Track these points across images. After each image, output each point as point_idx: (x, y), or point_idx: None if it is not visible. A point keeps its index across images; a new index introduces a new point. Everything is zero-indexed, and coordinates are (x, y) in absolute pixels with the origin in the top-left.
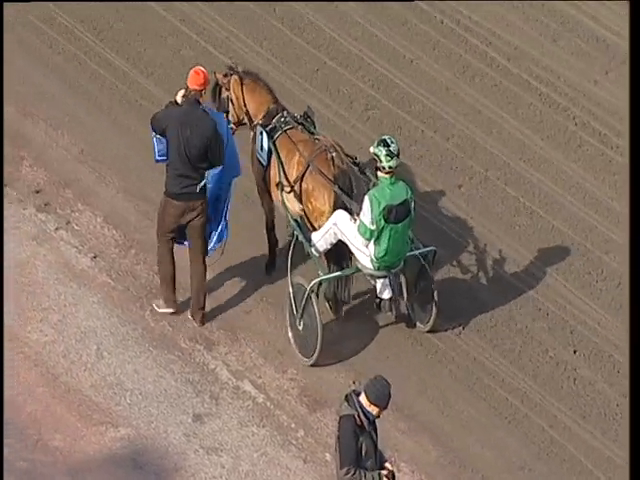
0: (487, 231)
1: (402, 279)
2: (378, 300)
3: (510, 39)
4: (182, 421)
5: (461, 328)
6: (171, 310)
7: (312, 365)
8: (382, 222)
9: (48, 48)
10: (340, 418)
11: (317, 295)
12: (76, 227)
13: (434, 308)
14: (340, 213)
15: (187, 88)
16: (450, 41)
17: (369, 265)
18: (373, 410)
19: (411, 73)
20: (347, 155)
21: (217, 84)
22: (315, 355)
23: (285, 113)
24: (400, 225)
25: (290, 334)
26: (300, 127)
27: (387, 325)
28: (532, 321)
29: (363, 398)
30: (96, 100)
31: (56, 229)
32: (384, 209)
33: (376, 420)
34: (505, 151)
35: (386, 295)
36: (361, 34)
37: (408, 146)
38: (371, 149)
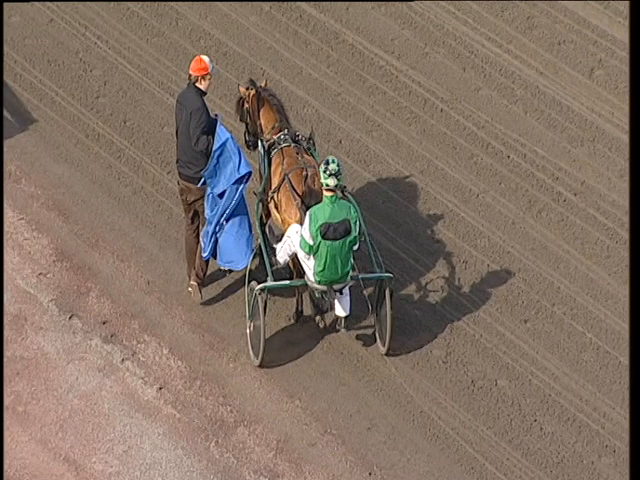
0: (553, 366)
1: (343, 297)
2: (335, 317)
3: (577, 174)
4: None
5: (524, 461)
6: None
7: (259, 366)
8: (319, 238)
9: (116, 180)
10: None
11: (265, 300)
12: (142, 358)
13: (389, 334)
14: (294, 227)
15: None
16: (516, 175)
17: (312, 278)
18: None
19: (477, 207)
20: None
21: (241, 97)
22: (260, 356)
23: (286, 131)
24: (338, 243)
25: (247, 332)
26: (294, 146)
27: None
28: (598, 458)
29: None
30: (163, 232)
31: (122, 360)
32: (321, 226)
33: None
34: (572, 286)
35: (341, 312)
36: (427, 167)
37: (474, 281)
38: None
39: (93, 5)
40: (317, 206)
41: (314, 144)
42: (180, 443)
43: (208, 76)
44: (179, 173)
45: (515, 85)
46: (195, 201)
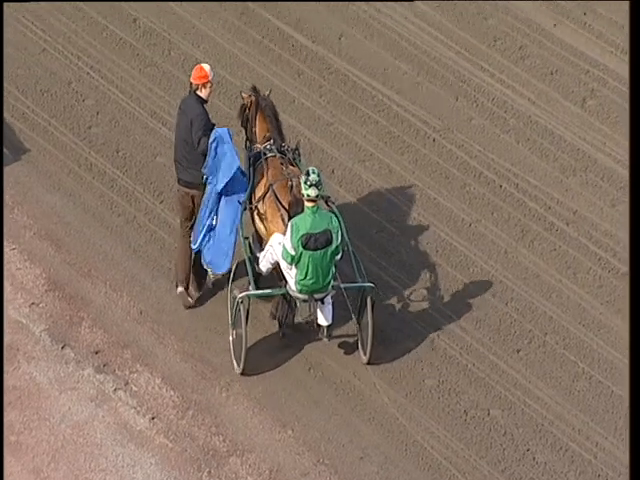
0: (545, 396)
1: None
2: (316, 325)
3: (569, 203)
4: None
5: None
6: (181, 291)
7: (241, 374)
8: (300, 248)
9: (108, 209)
10: None
11: (247, 308)
12: (134, 388)
13: (370, 342)
14: (276, 236)
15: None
16: (509, 205)
17: (294, 287)
18: None
19: (469, 236)
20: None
21: (244, 103)
22: (242, 364)
23: (272, 141)
24: (319, 253)
25: (230, 339)
26: (279, 156)
27: None
28: None
29: None
30: (155, 261)
31: (115, 390)
32: (302, 236)
33: None
34: (564, 316)
35: (323, 322)
36: (419, 196)
37: (467, 310)
38: None
39: (85, 35)
40: (298, 217)
41: (300, 155)
42: (173, 473)
43: (209, 84)
44: (178, 179)
45: (507, 115)
46: (194, 207)
